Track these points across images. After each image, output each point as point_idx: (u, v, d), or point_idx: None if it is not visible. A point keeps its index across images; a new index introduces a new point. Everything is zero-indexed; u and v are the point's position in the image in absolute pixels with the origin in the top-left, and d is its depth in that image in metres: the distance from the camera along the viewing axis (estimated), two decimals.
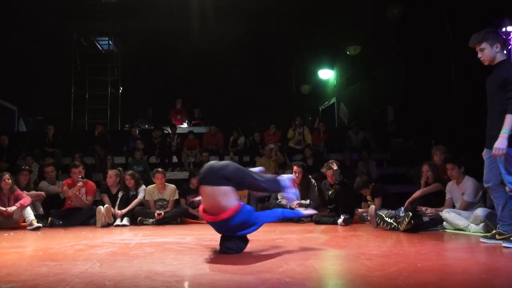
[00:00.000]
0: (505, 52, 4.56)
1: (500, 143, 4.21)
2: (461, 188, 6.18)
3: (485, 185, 4.71)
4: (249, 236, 4.32)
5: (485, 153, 4.61)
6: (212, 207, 4.11)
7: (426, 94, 10.84)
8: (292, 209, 7.69)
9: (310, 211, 5.28)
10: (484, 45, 4.48)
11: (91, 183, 8.34)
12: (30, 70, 12.88)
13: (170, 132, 12.60)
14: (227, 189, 4.03)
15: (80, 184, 7.84)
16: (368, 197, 7.53)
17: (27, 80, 13.91)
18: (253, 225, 4.15)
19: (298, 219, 7.67)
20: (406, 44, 11.29)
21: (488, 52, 4.48)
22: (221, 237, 4.28)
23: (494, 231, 4.71)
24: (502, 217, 4.57)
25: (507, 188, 4.40)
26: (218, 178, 4.04)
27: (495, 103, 4.43)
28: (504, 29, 10.08)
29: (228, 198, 4.03)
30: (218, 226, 4.20)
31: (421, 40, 10.86)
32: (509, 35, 10.12)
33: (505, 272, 3.38)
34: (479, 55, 4.54)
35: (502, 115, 4.26)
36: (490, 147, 4.36)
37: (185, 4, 11.26)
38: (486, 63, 4.56)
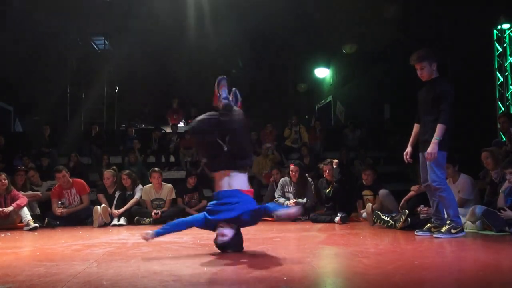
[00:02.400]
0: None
1: (432, 148, 4.81)
2: (457, 186, 6.20)
3: (423, 185, 5.34)
4: (245, 235, 4.31)
5: (420, 157, 5.18)
6: None
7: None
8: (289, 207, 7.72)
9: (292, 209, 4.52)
10: (424, 64, 5.05)
11: (79, 181, 8.18)
12: (25, 70, 12.84)
13: (171, 131, 12.60)
14: None
15: (59, 211, 7.70)
16: (367, 192, 7.50)
17: (23, 80, 13.87)
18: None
19: (296, 218, 7.66)
20: (402, 41, 11.29)
21: (427, 70, 5.06)
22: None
23: (428, 225, 5.28)
24: (436, 212, 5.22)
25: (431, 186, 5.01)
26: None
27: (428, 113, 5.01)
28: (499, 27, 10.13)
29: None
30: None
31: (418, 38, 10.87)
32: (504, 32, 10.15)
33: (501, 269, 3.39)
34: (419, 72, 5.12)
35: (434, 123, 4.87)
36: (424, 150, 4.95)
37: (181, 3, 11.24)
38: (424, 79, 5.15)
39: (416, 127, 5.33)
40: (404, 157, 5.30)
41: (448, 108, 4.85)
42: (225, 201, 4.12)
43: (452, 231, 4.88)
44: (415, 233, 5.30)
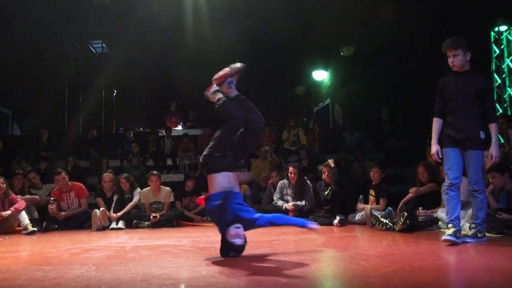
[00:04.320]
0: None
1: (497, 151, 4.63)
2: None
3: (453, 181, 4.77)
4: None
5: (451, 153, 4.74)
6: None
7: (420, 94, 10.87)
8: (288, 210, 7.73)
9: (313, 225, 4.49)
10: (458, 51, 4.69)
11: (78, 185, 8.18)
12: (23, 73, 12.85)
13: (165, 134, 12.61)
14: None
15: (51, 207, 7.67)
16: (371, 192, 7.50)
17: (21, 83, 13.87)
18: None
19: None
20: (400, 44, 11.31)
21: (460, 58, 4.69)
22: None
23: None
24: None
25: (469, 188, 4.76)
26: None
27: (469, 108, 4.68)
28: (496, 29, 10.16)
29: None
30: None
31: (415, 40, 10.89)
32: (501, 34, 10.18)
33: (500, 271, 3.39)
34: (451, 59, 4.74)
35: (478, 120, 4.64)
36: (465, 148, 4.65)
37: (179, 7, 11.25)
38: (455, 69, 4.77)
39: (438, 122, 4.86)
40: (435, 156, 4.81)
41: (494, 106, 4.71)
42: (239, 201, 4.14)
43: (479, 235, 4.68)
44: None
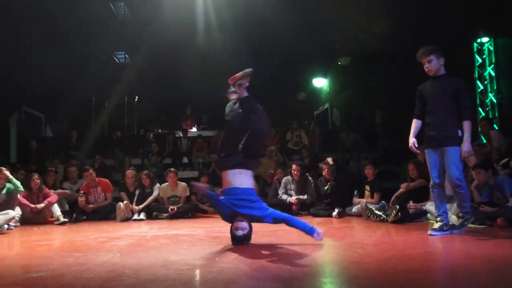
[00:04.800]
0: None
1: (468, 147, 4.43)
2: None
3: (435, 181, 4.66)
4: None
5: (429, 153, 4.66)
6: None
7: (410, 99, 10.81)
8: (292, 203, 7.72)
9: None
10: (431, 57, 4.57)
11: (104, 180, 8.26)
12: (55, 82, 12.89)
13: (182, 135, 12.64)
14: None
15: (81, 199, 7.77)
16: (367, 187, 7.49)
17: (53, 90, 13.92)
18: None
19: (297, 212, 7.67)
20: (391, 54, 11.27)
21: (435, 63, 4.58)
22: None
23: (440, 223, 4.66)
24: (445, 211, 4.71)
25: (451, 183, 4.52)
26: None
27: (446, 109, 4.53)
28: (479, 40, 10.11)
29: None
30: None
31: (405, 51, 10.83)
32: (483, 45, 10.12)
33: (481, 258, 3.38)
34: (426, 65, 4.62)
35: (454, 120, 4.48)
36: (440, 146, 4.51)
37: (190, 19, 11.26)
38: (431, 74, 4.65)
39: (417, 123, 4.81)
40: (412, 147, 4.74)
41: (469, 104, 4.51)
42: (245, 197, 4.10)
43: (465, 223, 4.55)
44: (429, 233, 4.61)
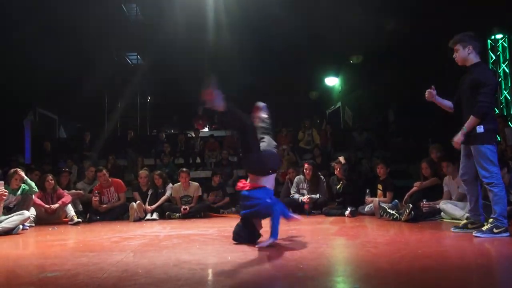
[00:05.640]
0: (477, 55, 4.46)
1: (457, 138, 4.37)
2: (456, 182, 6.09)
3: (461, 178, 4.65)
4: (264, 228, 4.29)
5: (462, 148, 4.52)
6: None
7: (423, 97, 10.74)
8: (304, 202, 7.70)
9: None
10: (457, 46, 4.47)
11: (117, 180, 8.31)
12: (69, 83, 13.02)
13: (194, 135, 12.67)
14: None
15: (95, 199, 7.84)
16: (379, 186, 7.46)
17: (66, 92, 14.06)
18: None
19: (310, 212, 7.66)
20: (404, 52, 11.20)
21: (460, 53, 4.46)
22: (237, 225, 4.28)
23: (465, 221, 4.64)
24: (474, 209, 4.56)
25: (482, 182, 4.37)
26: None
27: (468, 103, 4.37)
28: (493, 37, 10.00)
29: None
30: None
31: (418, 48, 10.76)
32: (497, 42, 10.01)
33: (497, 256, 3.34)
34: (454, 55, 4.52)
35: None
36: (468, 143, 4.37)
37: (201, 19, 11.29)
38: (459, 63, 4.53)
39: (449, 108, 4.68)
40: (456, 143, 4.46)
41: (486, 100, 4.21)
42: (259, 196, 4.12)
43: (495, 230, 4.15)
44: (452, 230, 4.63)
